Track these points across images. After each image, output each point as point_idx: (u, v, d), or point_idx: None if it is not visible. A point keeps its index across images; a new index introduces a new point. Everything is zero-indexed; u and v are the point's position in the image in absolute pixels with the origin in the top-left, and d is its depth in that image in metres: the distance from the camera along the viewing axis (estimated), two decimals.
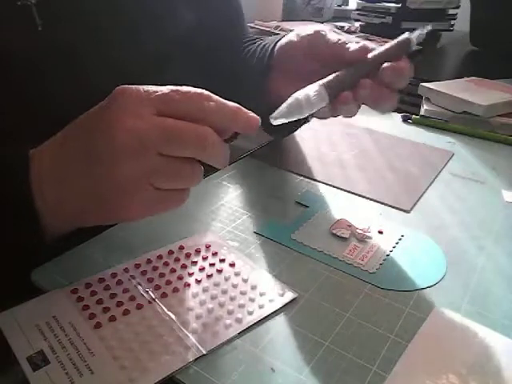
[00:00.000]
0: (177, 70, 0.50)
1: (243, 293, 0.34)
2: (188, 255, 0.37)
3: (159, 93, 0.30)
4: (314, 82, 0.41)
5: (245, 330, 0.31)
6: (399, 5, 1.18)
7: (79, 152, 0.31)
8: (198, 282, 0.34)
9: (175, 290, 0.34)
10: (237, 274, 0.35)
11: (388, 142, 0.61)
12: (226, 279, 0.35)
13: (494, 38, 1.07)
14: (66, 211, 0.32)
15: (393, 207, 0.46)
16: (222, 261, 0.37)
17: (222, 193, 0.47)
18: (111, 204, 0.31)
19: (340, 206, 0.45)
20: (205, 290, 0.34)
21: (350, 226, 0.42)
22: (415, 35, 0.40)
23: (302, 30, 0.49)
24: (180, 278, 0.35)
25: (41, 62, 0.40)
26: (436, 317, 0.33)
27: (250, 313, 0.32)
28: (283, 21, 1.33)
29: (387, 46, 0.41)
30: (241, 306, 0.32)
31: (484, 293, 0.35)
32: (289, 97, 0.39)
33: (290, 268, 0.37)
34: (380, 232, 0.41)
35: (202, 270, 0.36)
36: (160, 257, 0.37)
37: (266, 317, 0.32)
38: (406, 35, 0.41)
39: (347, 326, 0.32)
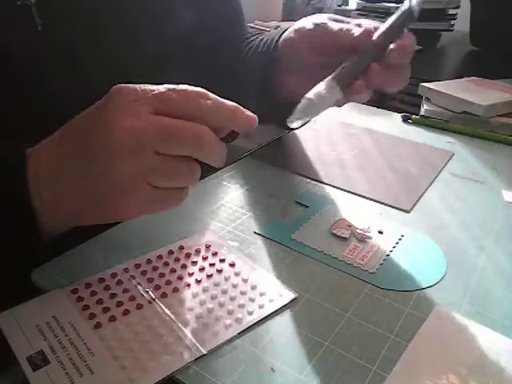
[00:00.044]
0: (177, 70, 0.50)
1: (243, 293, 0.34)
2: (188, 255, 0.37)
3: (156, 92, 0.30)
4: (322, 73, 0.41)
5: (245, 330, 0.31)
6: (399, 5, 1.18)
7: (76, 151, 0.31)
8: (198, 281, 0.34)
9: (175, 290, 0.34)
10: (237, 274, 0.35)
11: (388, 141, 0.61)
12: (226, 279, 0.35)
13: (494, 38, 1.07)
14: (63, 210, 0.32)
15: (393, 207, 0.46)
16: (222, 261, 0.37)
17: (221, 193, 0.47)
18: (108, 203, 0.31)
19: (340, 206, 0.45)
20: (205, 290, 0.34)
21: (350, 225, 0.42)
22: (415, 2, 0.40)
23: (303, 22, 0.49)
24: (180, 277, 0.35)
25: (41, 61, 0.40)
26: (436, 317, 0.33)
27: (250, 313, 0.32)
28: (283, 21, 1.33)
29: (390, 21, 0.41)
30: (241, 306, 0.32)
31: (484, 293, 0.35)
32: (297, 94, 0.40)
33: (290, 268, 0.37)
34: (380, 232, 0.41)
35: (201, 269, 0.36)
36: (160, 257, 0.37)
37: (265, 317, 0.32)
38: (406, 3, 0.41)
39: (347, 325, 0.32)
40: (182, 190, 0.32)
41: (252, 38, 0.59)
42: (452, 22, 1.27)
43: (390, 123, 0.67)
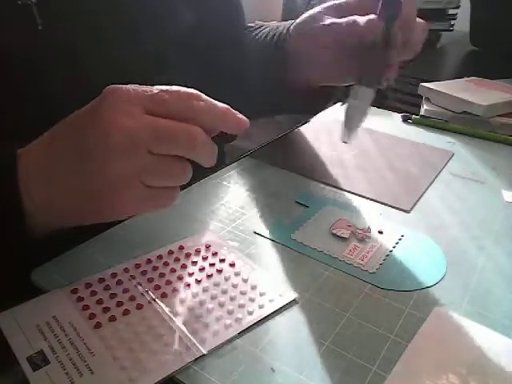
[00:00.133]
0: (177, 70, 0.50)
1: (243, 293, 0.34)
2: (188, 255, 0.37)
3: (149, 92, 0.30)
4: (336, 58, 0.46)
5: (245, 330, 0.31)
6: None
7: (69, 150, 0.31)
8: (198, 281, 0.34)
9: (175, 290, 0.34)
10: (237, 274, 0.35)
11: (388, 141, 0.61)
12: (226, 279, 0.35)
13: (494, 38, 1.07)
14: (56, 209, 0.33)
15: (393, 207, 0.46)
16: (222, 261, 0.37)
17: (221, 193, 0.47)
18: (102, 201, 0.31)
19: (340, 206, 0.45)
20: (205, 290, 0.34)
21: (350, 225, 0.42)
22: None
23: (306, 21, 0.51)
24: (180, 278, 0.35)
25: (41, 61, 0.40)
26: (436, 317, 0.33)
27: (250, 313, 0.32)
28: (283, 21, 1.33)
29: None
30: (241, 306, 0.32)
31: (484, 293, 0.35)
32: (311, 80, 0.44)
33: (289, 268, 0.37)
34: (380, 232, 0.41)
35: (201, 270, 0.36)
36: (160, 257, 0.37)
37: (265, 317, 0.32)
38: None
39: (347, 325, 0.32)
40: (174, 189, 0.33)
41: (256, 32, 0.59)
42: (452, 22, 1.27)
43: (389, 123, 0.67)
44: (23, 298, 0.32)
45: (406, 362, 0.29)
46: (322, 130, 0.63)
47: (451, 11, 1.27)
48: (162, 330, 0.30)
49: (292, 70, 0.53)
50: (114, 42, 0.45)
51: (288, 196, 0.47)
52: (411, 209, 0.46)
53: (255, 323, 0.31)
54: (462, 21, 1.19)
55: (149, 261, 0.36)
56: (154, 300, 0.33)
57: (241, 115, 0.32)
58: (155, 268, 0.35)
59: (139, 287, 0.34)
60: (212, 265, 0.36)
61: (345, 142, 0.43)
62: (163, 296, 0.33)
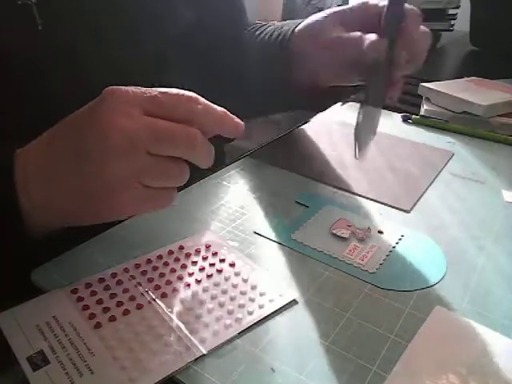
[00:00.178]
0: (177, 70, 0.50)
1: (243, 293, 0.34)
2: (188, 255, 0.37)
3: (148, 94, 0.31)
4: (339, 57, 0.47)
5: (245, 330, 0.31)
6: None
7: (68, 150, 0.31)
8: (198, 282, 0.34)
9: (175, 290, 0.34)
10: (237, 274, 0.35)
11: (388, 142, 0.61)
12: (226, 279, 0.35)
13: (494, 38, 1.07)
14: (55, 209, 0.33)
15: (393, 207, 0.46)
16: (222, 261, 0.37)
17: (221, 193, 0.47)
18: (101, 202, 0.31)
19: (340, 206, 0.45)
20: (205, 290, 0.34)
21: (349, 225, 0.42)
22: None
23: (311, 28, 0.52)
24: (180, 277, 0.35)
25: (41, 61, 0.40)
26: (436, 317, 0.33)
27: (250, 313, 0.32)
28: (283, 21, 1.33)
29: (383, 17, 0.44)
30: (241, 306, 0.32)
31: (484, 293, 0.35)
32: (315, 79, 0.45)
33: (290, 268, 0.37)
34: (380, 232, 0.41)
35: (201, 269, 0.36)
36: (160, 257, 0.37)
37: (265, 317, 0.32)
38: None
39: (347, 325, 0.32)
40: (172, 189, 0.33)
41: (260, 30, 0.59)
42: (452, 22, 1.27)
43: (389, 123, 0.67)
44: (23, 297, 0.32)
45: (405, 362, 0.29)
46: (322, 129, 0.63)
47: (451, 11, 1.27)
48: (161, 330, 0.30)
49: (297, 69, 0.53)
50: (114, 41, 0.45)
51: (288, 196, 0.47)
52: (411, 209, 0.46)
53: (255, 323, 0.31)
54: (462, 21, 1.19)
55: (149, 261, 0.36)
56: (154, 300, 0.33)
57: (237, 119, 0.33)
58: (155, 268, 0.35)
59: (139, 287, 0.34)
60: (212, 265, 0.36)
61: (357, 159, 0.44)
62: (163, 296, 0.33)
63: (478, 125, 0.65)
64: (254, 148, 0.57)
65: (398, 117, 0.69)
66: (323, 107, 0.59)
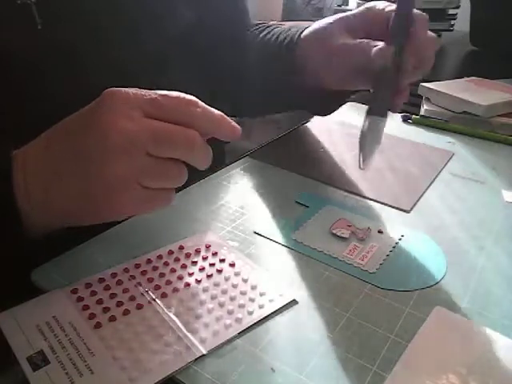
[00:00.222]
0: (177, 70, 0.50)
1: (243, 293, 0.34)
2: (188, 255, 0.37)
3: (148, 96, 0.31)
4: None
5: (245, 330, 0.31)
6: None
7: (67, 152, 0.31)
8: (198, 281, 0.34)
9: (175, 290, 0.34)
10: (237, 274, 0.35)
11: (388, 142, 0.61)
12: (226, 279, 0.35)
13: (494, 38, 1.07)
14: (55, 210, 0.33)
15: (393, 207, 0.46)
16: (222, 261, 0.37)
17: (221, 193, 0.47)
18: (100, 202, 0.31)
19: (340, 206, 0.45)
20: (205, 290, 0.34)
21: (350, 225, 0.42)
22: None
23: (317, 34, 0.51)
24: (180, 277, 0.35)
25: (40, 61, 0.40)
26: (436, 317, 0.33)
27: (250, 313, 0.32)
28: (283, 21, 1.33)
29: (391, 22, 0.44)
30: (241, 306, 0.32)
31: (484, 293, 0.35)
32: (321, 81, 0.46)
33: (289, 268, 0.37)
34: (380, 232, 0.41)
35: (201, 269, 0.36)
36: (160, 257, 0.37)
37: (265, 317, 0.32)
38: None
39: (347, 325, 0.32)
40: (171, 190, 0.33)
41: (266, 31, 0.59)
42: (452, 22, 1.27)
43: (389, 123, 0.67)
44: (23, 297, 0.32)
45: (405, 362, 0.29)
46: (322, 129, 0.63)
47: (451, 11, 1.27)
48: (161, 330, 0.30)
49: (301, 73, 0.52)
50: (114, 41, 0.45)
51: (288, 196, 0.47)
52: (411, 209, 0.46)
53: (255, 323, 0.31)
54: (462, 21, 1.19)
55: (149, 261, 0.36)
56: (154, 300, 0.33)
57: (234, 123, 0.33)
58: (155, 268, 0.35)
59: (139, 287, 0.34)
60: (212, 265, 0.36)
61: (362, 169, 0.44)
62: (163, 296, 0.33)
63: (478, 125, 0.65)
64: (254, 148, 0.57)
65: (398, 117, 0.69)
66: (326, 111, 0.59)
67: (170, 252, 0.37)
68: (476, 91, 0.70)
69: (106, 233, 0.39)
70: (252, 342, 0.30)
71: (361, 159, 0.44)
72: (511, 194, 0.49)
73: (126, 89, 0.31)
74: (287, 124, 0.67)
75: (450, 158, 0.57)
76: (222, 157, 0.63)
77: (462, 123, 0.66)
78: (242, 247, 0.39)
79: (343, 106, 0.59)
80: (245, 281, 0.35)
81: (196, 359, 0.29)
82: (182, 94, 0.32)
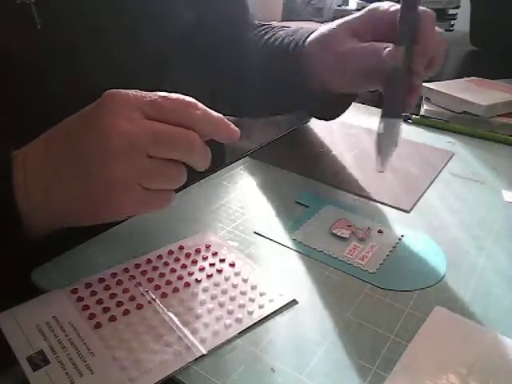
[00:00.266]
0: (177, 70, 0.50)
1: (243, 293, 0.34)
2: (188, 255, 0.37)
3: (148, 98, 0.31)
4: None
5: (245, 329, 0.31)
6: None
7: (68, 153, 0.31)
8: (198, 281, 0.34)
9: (175, 290, 0.33)
10: (237, 274, 0.35)
11: None
12: (226, 279, 0.35)
13: (494, 38, 1.07)
14: (55, 210, 0.33)
15: (393, 207, 0.46)
16: (222, 261, 0.37)
17: (221, 193, 0.47)
18: (101, 203, 0.32)
19: (340, 206, 0.45)
20: (205, 290, 0.34)
21: (350, 225, 0.42)
22: None
23: (322, 39, 0.51)
24: (180, 277, 0.35)
25: (40, 61, 0.40)
26: (436, 317, 0.33)
27: (250, 313, 0.32)
28: (283, 21, 1.33)
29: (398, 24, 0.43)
30: (241, 306, 0.32)
31: (484, 293, 0.35)
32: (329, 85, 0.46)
33: (290, 268, 0.37)
34: (380, 232, 0.41)
35: (201, 269, 0.36)
36: (160, 257, 0.37)
37: (265, 317, 0.32)
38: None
39: (347, 325, 0.32)
40: (170, 191, 0.34)
41: (270, 33, 0.58)
42: (452, 22, 1.28)
43: None
44: (23, 297, 0.32)
45: (405, 362, 0.29)
46: (322, 129, 0.63)
47: (451, 11, 1.27)
48: (161, 330, 0.30)
49: (307, 76, 0.52)
50: (114, 41, 0.45)
51: (288, 196, 0.47)
52: (411, 209, 0.46)
53: (255, 323, 0.31)
54: (462, 21, 1.19)
55: (149, 261, 0.36)
56: (154, 300, 0.33)
57: (233, 126, 0.33)
58: (155, 268, 0.35)
59: (139, 287, 0.34)
60: (212, 265, 0.36)
61: (380, 172, 0.44)
62: (163, 296, 0.33)
63: (478, 125, 0.65)
64: (254, 148, 0.57)
65: None
66: (332, 115, 0.59)
67: (170, 252, 0.37)
68: (476, 91, 0.70)
69: (106, 233, 0.39)
70: (252, 342, 0.30)
71: (379, 162, 0.44)
72: (511, 194, 0.49)
73: (127, 90, 0.31)
74: (287, 124, 0.67)
75: (450, 158, 0.57)
76: (221, 157, 0.63)
77: (462, 123, 0.66)
78: (242, 247, 0.39)
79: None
80: (245, 281, 0.35)
81: (196, 359, 0.28)
82: (182, 96, 0.32)
